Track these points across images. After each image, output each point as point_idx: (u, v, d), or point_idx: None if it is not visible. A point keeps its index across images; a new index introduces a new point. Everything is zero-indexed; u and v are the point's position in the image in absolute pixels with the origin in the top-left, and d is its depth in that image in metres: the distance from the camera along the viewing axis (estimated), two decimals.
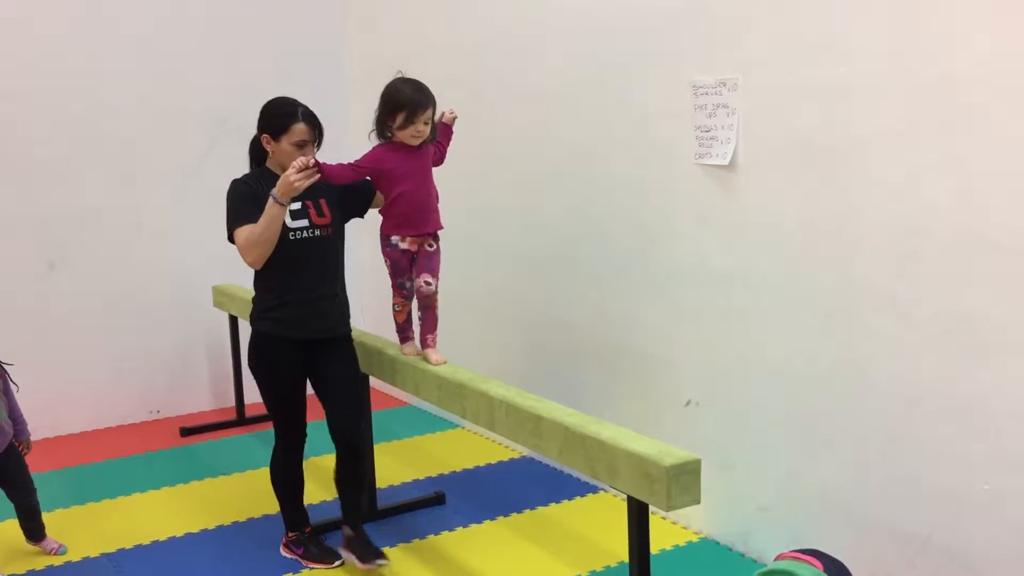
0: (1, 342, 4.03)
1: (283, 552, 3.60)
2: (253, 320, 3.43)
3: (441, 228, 3.40)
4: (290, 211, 3.25)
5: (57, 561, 3.64)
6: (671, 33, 3.50)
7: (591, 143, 3.96)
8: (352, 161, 3.28)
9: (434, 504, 4.05)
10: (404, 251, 3.34)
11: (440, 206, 3.43)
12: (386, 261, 3.39)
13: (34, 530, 3.67)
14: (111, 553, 3.68)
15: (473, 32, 4.62)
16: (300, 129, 3.27)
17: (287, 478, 3.54)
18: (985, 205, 2.61)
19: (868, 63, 2.85)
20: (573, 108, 4.02)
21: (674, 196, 3.58)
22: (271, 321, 3.36)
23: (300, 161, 3.12)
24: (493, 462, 4.56)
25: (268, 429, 5.07)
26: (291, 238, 3.28)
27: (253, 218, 3.22)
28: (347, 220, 3.51)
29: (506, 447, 4.70)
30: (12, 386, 3.60)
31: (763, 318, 3.30)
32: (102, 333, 5.21)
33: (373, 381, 3.89)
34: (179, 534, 3.83)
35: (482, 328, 4.74)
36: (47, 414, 4.96)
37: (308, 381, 3.47)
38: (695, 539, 3.64)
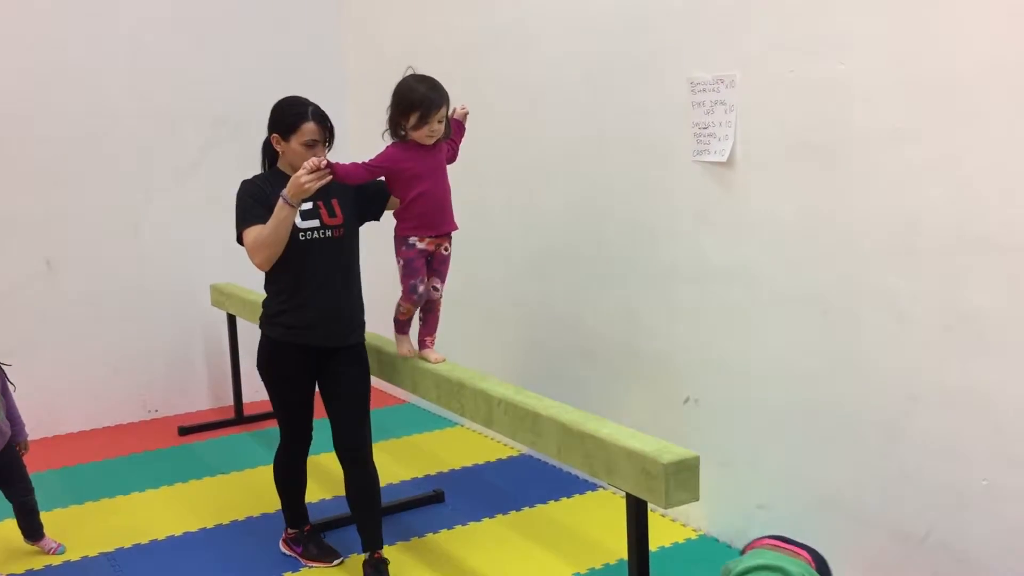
0: None
1: (282, 548, 3.61)
2: (262, 324, 3.36)
3: (457, 228, 3.33)
4: (301, 211, 3.15)
5: (56, 561, 3.63)
6: (669, 30, 3.50)
7: (589, 140, 3.95)
8: (365, 161, 3.18)
9: (433, 502, 4.05)
10: (421, 251, 3.25)
11: None
12: (399, 262, 3.28)
13: (33, 529, 3.67)
14: (110, 552, 3.68)
15: (470, 29, 4.62)
16: (310, 128, 3.18)
17: (289, 477, 3.52)
18: (983, 202, 2.61)
19: (866, 60, 2.85)
20: (571, 105, 4.02)
21: (672, 193, 3.58)
22: (279, 327, 3.28)
23: (312, 162, 3.02)
24: (492, 460, 4.56)
25: (266, 428, 5.11)
26: (301, 239, 3.18)
27: (262, 219, 3.14)
28: (362, 222, 3.40)
29: (505, 445, 4.70)
30: (10, 386, 3.59)
31: (762, 315, 3.30)
32: (100, 332, 5.21)
33: (371, 379, 3.89)
34: (178, 533, 3.83)
35: (480, 326, 4.74)
36: (45, 413, 4.97)
37: (317, 384, 3.40)
38: (694, 536, 3.64)
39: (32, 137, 4.95)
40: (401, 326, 3.44)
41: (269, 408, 5.32)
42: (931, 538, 2.86)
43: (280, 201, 3.07)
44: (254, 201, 3.20)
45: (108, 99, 5.11)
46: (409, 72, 3.18)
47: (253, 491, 4.22)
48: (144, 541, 3.77)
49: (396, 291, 3.31)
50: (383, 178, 3.25)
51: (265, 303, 3.36)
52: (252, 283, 5.08)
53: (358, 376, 3.37)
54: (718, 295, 3.45)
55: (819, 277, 3.09)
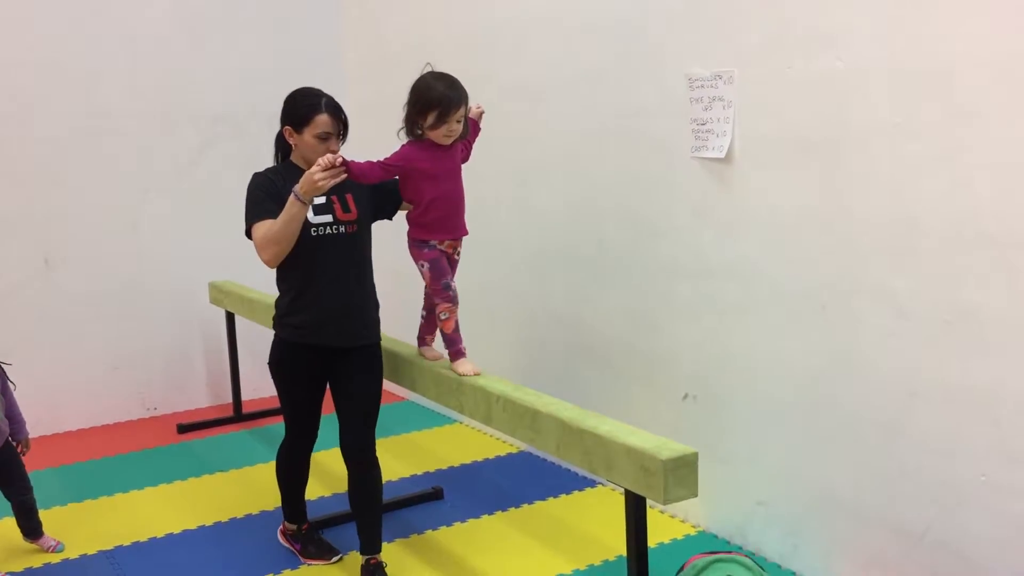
0: None
1: (280, 539, 3.62)
2: (273, 323, 3.30)
3: (467, 233, 3.25)
4: (313, 205, 3.06)
5: (55, 559, 3.63)
6: (667, 26, 3.50)
7: (587, 137, 3.95)
8: (381, 159, 3.07)
9: (432, 499, 4.05)
10: (441, 251, 3.16)
11: None
12: (422, 265, 3.16)
13: (32, 528, 3.67)
14: (109, 550, 3.68)
15: (468, 27, 4.61)
16: (323, 121, 3.09)
17: (291, 471, 3.49)
18: (982, 198, 2.61)
19: (865, 56, 2.85)
20: (569, 102, 4.02)
21: (670, 190, 3.58)
22: (290, 327, 3.22)
23: (326, 159, 2.91)
24: (491, 457, 4.56)
25: (265, 426, 5.12)
26: (312, 234, 3.08)
27: (272, 213, 3.05)
28: (375, 220, 3.31)
29: (504, 442, 4.70)
30: (11, 385, 3.59)
31: (760, 311, 3.30)
32: (99, 330, 5.21)
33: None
34: (176, 531, 3.83)
35: (479, 323, 4.73)
36: (45, 412, 4.96)
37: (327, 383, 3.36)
38: (693, 532, 3.65)
39: (30, 136, 4.95)
40: (451, 340, 3.23)
41: (268, 406, 5.40)
42: (930, 535, 2.86)
43: (291, 197, 2.97)
44: (264, 195, 3.11)
45: (106, 97, 5.11)
46: (427, 69, 3.07)
47: (252, 489, 4.22)
48: (143, 539, 3.77)
49: (400, 291, 3.27)
50: (397, 177, 3.16)
51: (277, 302, 3.29)
52: (251, 281, 5.10)
53: (370, 379, 3.30)
54: (717, 291, 3.45)
55: (818, 273, 3.09)
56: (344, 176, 2.95)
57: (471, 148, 3.31)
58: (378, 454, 3.36)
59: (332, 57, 5.67)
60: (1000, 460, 2.66)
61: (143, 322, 5.32)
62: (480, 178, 4.56)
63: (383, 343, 3.47)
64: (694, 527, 3.68)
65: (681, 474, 2.42)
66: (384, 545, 3.44)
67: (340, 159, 2.94)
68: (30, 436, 3.68)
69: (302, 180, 2.95)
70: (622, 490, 2.59)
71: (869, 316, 2.94)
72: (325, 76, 5.60)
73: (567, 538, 3.65)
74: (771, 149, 3.18)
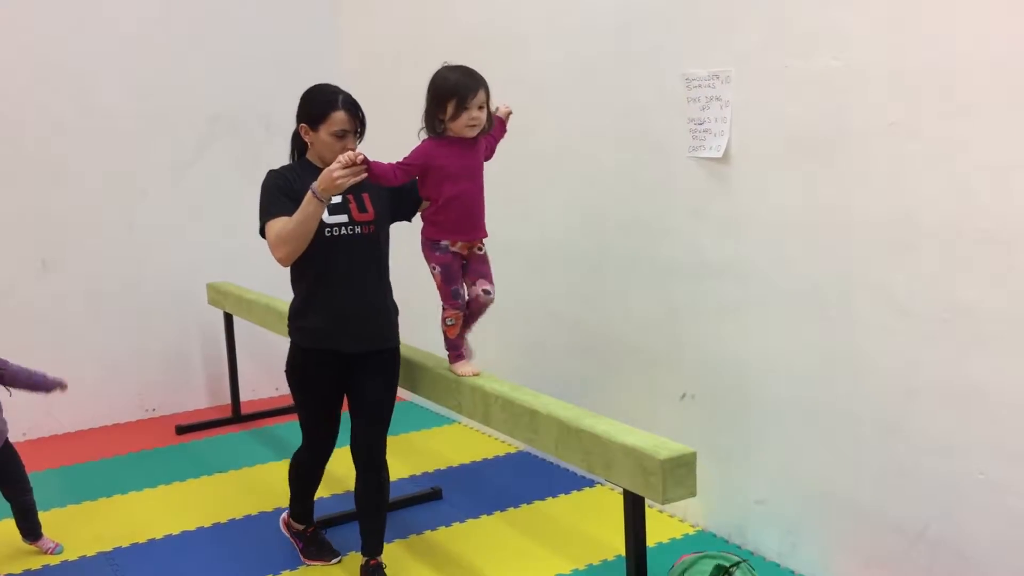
0: None
1: (282, 528, 3.62)
2: (288, 328, 3.20)
3: (487, 235, 3.11)
4: (328, 205, 2.95)
5: (54, 560, 3.63)
6: (664, 26, 3.50)
7: (584, 137, 3.95)
8: (399, 160, 2.96)
9: (431, 499, 4.05)
10: (455, 254, 3.04)
11: None
12: (434, 268, 3.06)
13: (31, 529, 3.66)
14: (108, 552, 3.68)
15: (465, 27, 4.61)
16: (340, 118, 3.00)
17: (304, 477, 3.41)
18: (980, 196, 2.61)
19: (861, 55, 2.85)
20: (566, 102, 4.02)
21: (668, 189, 3.58)
22: (305, 331, 3.12)
23: (347, 156, 2.79)
24: (489, 457, 4.56)
25: (264, 426, 5.12)
26: (327, 235, 2.98)
27: (287, 211, 2.94)
28: (393, 221, 3.20)
29: (502, 442, 4.70)
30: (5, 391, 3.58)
31: (758, 310, 3.31)
32: (97, 332, 5.21)
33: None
34: (175, 532, 3.83)
35: (478, 323, 4.73)
36: (43, 413, 4.96)
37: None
38: (692, 532, 3.65)
39: (27, 137, 4.95)
40: (454, 345, 3.19)
41: (267, 406, 5.41)
42: (929, 532, 2.86)
43: (308, 194, 2.85)
44: (279, 192, 3.01)
45: (103, 98, 5.11)
46: (444, 66, 2.99)
47: (251, 490, 4.22)
48: (142, 540, 3.77)
49: (416, 296, 3.18)
50: (416, 176, 3.05)
51: (291, 305, 3.20)
52: (249, 282, 5.11)
53: (385, 385, 3.22)
54: (714, 291, 3.45)
55: (816, 272, 3.09)
56: (364, 176, 2.84)
57: (495, 147, 3.18)
58: None
59: (328, 57, 5.66)
60: (998, 458, 2.66)
61: (141, 323, 5.32)
62: None
63: None
64: (693, 526, 3.69)
65: (680, 474, 2.43)
66: (383, 546, 3.44)
67: (361, 157, 2.83)
68: (28, 437, 3.68)
69: (321, 177, 2.84)
70: (621, 490, 2.59)
71: (867, 315, 2.94)
72: (321, 75, 5.62)
73: (566, 538, 3.65)
74: (769, 148, 3.18)
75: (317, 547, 3.54)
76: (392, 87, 4.87)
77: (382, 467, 3.26)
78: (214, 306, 5.26)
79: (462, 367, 3.19)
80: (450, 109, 2.88)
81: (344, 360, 3.14)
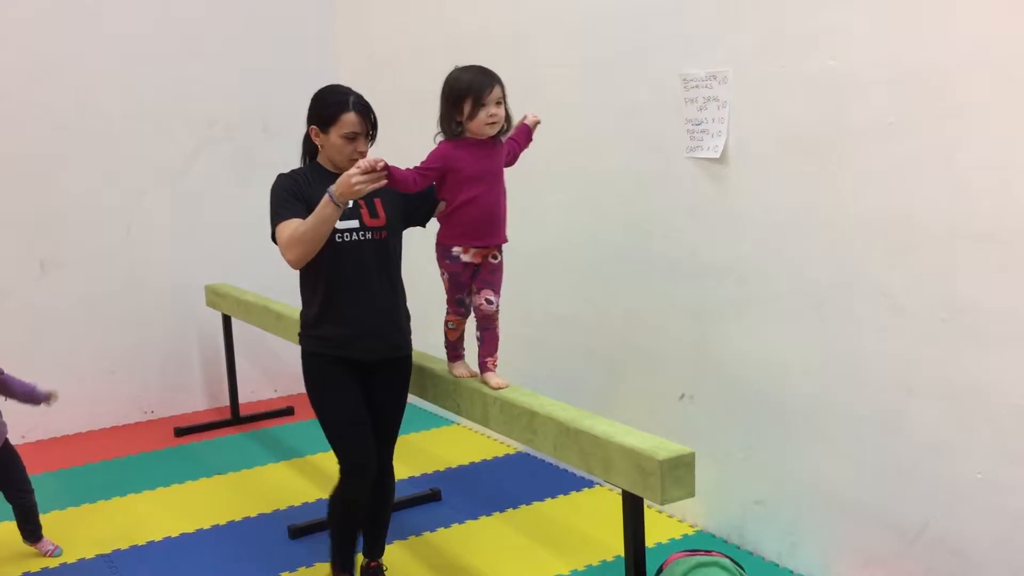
0: None
1: None
2: (299, 338, 3.10)
3: (506, 241, 3.01)
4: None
5: (53, 563, 3.63)
6: (661, 26, 3.50)
7: (582, 137, 3.95)
8: (417, 165, 2.87)
9: (430, 501, 4.05)
10: (466, 264, 2.96)
11: None
12: (443, 273, 3.00)
13: (31, 531, 3.66)
14: (107, 554, 3.68)
15: (463, 28, 4.61)
16: (350, 120, 2.91)
17: (346, 516, 3.12)
18: (977, 195, 2.61)
19: (858, 55, 2.85)
20: (564, 102, 4.02)
21: (665, 190, 3.58)
22: (316, 340, 3.02)
23: (367, 162, 2.68)
24: (488, 458, 4.56)
25: (262, 428, 5.12)
26: (338, 240, 2.89)
27: (298, 213, 2.85)
28: (407, 227, 3.11)
29: (501, 443, 4.70)
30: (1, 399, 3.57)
31: (756, 310, 3.31)
32: (95, 334, 5.21)
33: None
34: (175, 534, 3.83)
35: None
36: (42, 416, 4.94)
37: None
38: (691, 532, 3.65)
39: (24, 139, 4.94)
40: (453, 346, 3.15)
41: (265, 408, 5.41)
42: (928, 532, 2.87)
43: (325, 198, 2.74)
44: (289, 194, 2.92)
45: (101, 100, 5.11)
46: (456, 68, 2.91)
47: (250, 492, 4.22)
48: (141, 542, 3.77)
49: (429, 303, 3.14)
50: (434, 182, 2.95)
51: (301, 314, 3.10)
52: (247, 283, 5.11)
53: (397, 396, 3.16)
54: (713, 291, 3.45)
55: (814, 272, 3.09)
56: (384, 182, 2.73)
57: (519, 154, 3.09)
58: None
59: (325, 59, 5.67)
60: (997, 457, 2.66)
61: (139, 325, 5.32)
62: None
63: None
64: (692, 527, 3.69)
65: (678, 474, 2.42)
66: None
67: (382, 163, 2.70)
68: (27, 439, 3.67)
69: (338, 181, 2.72)
70: (619, 490, 2.59)
71: (865, 314, 2.95)
72: (318, 78, 5.62)
73: (565, 539, 3.65)
74: (766, 149, 3.18)
75: None
76: (391, 89, 4.87)
77: (388, 472, 3.23)
78: (212, 308, 5.26)
79: (458, 368, 3.18)
80: (467, 108, 2.81)
81: (355, 367, 3.05)
